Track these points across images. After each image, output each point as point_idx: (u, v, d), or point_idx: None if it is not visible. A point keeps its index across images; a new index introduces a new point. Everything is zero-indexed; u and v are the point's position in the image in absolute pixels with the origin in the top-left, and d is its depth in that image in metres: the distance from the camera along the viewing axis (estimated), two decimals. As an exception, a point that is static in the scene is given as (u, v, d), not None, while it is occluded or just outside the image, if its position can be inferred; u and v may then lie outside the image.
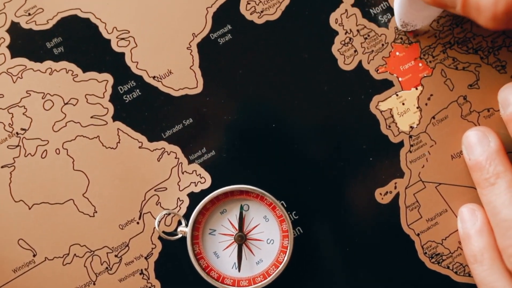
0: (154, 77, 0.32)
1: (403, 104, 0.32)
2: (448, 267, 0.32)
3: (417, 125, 0.32)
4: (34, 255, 0.31)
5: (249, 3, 0.32)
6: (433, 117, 0.32)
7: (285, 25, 0.32)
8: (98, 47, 0.31)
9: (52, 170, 0.31)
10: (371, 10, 0.32)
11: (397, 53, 0.32)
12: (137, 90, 0.32)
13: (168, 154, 0.32)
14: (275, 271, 0.31)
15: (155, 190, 0.32)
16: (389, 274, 0.32)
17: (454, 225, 0.32)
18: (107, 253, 0.31)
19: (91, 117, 0.31)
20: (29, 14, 0.31)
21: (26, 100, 0.31)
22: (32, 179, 0.31)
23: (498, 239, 0.29)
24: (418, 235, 0.32)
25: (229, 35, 0.32)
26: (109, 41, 0.32)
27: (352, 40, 0.32)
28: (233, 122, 0.32)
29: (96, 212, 0.31)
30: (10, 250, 0.31)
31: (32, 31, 0.31)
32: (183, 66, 0.32)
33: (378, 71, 0.32)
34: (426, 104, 0.32)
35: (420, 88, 0.32)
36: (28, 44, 0.31)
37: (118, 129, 0.32)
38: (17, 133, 0.31)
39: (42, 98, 0.31)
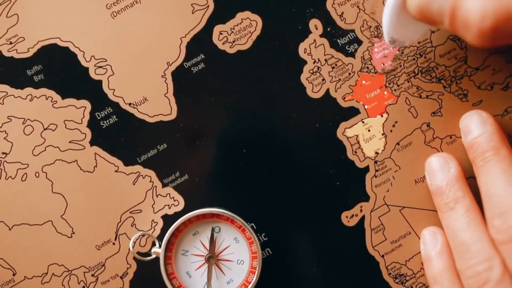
0: (130, 104, 0.33)
1: (369, 130, 0.33)
2: (412, 287, 0.33)
3: (382, 151, 0.33)
4: (14, 274, 0.32)
5: (221, 33, 0.33)
6: (398, 143, 0.33)
7: (256, 55, 0.33)
8: (77, 75, 0.33)
9: (31, 192, 0.33)
10: (338, 41, 0.33)
11: (363, 82, 0.33)
12: (114, 116, 0.33)
13: (143, 178, 0.33)
14: (244, 291, 0.32)
15: (130, 212, 0.33)
16: (354, 294, 0.33)
17: (417, 247, 0.33)
18: (84, 272, 0.33)
19: (70, 142, 0.33)
20: (11, 43, 0.33)
21: (7, 125, 0.33)
22: (12, 201, 0.32)
23: (456, 261, 0.31)
24: (382, 256, 0.33)
25: (202, 64, 0.33)
26: (87, 69, 0.33)
27: (320, 69, 0.33)
28: (205, 147, 0.33)
29: (74, 233, 0.33)
30: (-10, 269, 0.32)
31: (14, 59, 0.33)
32: (158, 93, 0.33)
33: (345, 99, 0.33)
34: (391, 131, 0.33)
35: (385, 115, 0.33)
36: (9, 71, 0.33)
37: (95, 153, 0.33)
38: (-2, 157, 0.33)
39: (23, 124, 0.33)
